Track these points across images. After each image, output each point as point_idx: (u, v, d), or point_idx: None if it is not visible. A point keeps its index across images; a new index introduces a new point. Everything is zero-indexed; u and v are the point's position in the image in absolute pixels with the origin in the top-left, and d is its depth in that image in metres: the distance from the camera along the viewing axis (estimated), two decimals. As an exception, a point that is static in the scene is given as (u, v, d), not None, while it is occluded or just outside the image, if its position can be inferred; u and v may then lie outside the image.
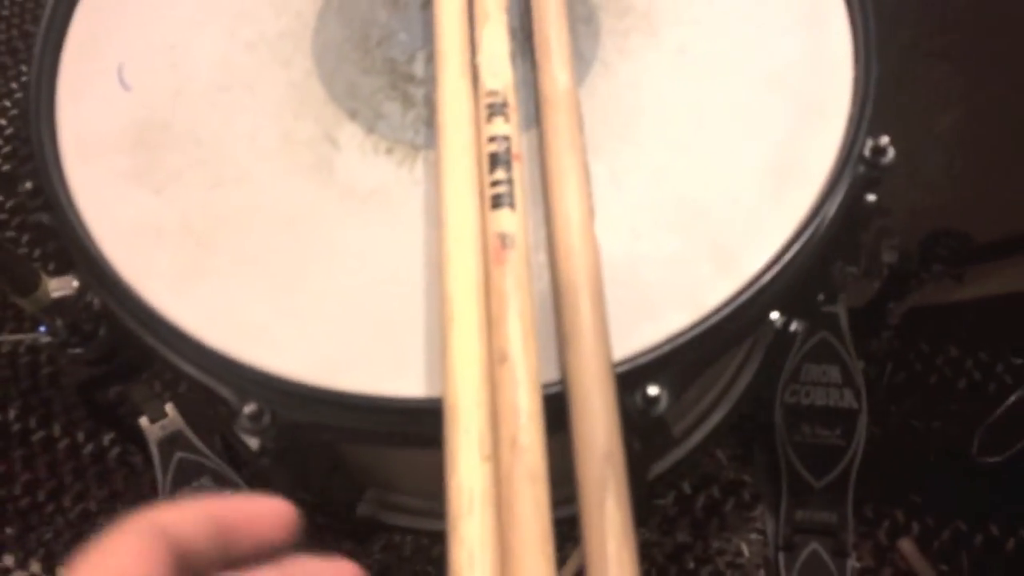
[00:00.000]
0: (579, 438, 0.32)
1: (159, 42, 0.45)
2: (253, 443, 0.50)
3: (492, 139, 0.37)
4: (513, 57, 0.41)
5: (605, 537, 0.30)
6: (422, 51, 0.44)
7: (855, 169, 0.40)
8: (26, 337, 1.14)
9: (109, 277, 0.38)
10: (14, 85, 1.31)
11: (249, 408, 0.35)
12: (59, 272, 0.68)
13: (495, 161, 0.37)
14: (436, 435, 0.35)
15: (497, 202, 0.36)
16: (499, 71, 0.40)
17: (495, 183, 0.36)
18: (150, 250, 0.39)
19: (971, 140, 0.83)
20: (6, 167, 1.25)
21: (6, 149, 1.27)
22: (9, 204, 1.22)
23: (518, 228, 0.36)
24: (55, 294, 0.54)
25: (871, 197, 0.42)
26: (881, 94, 0.42)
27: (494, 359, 0.33)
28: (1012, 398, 0.97)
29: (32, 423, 1.06)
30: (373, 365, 0.36)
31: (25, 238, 1.19)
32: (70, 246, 0.40)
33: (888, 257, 0.88)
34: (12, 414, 1.07)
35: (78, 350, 0.76)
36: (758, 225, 0.39)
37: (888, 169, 0.40)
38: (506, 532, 0.30)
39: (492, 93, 0.39)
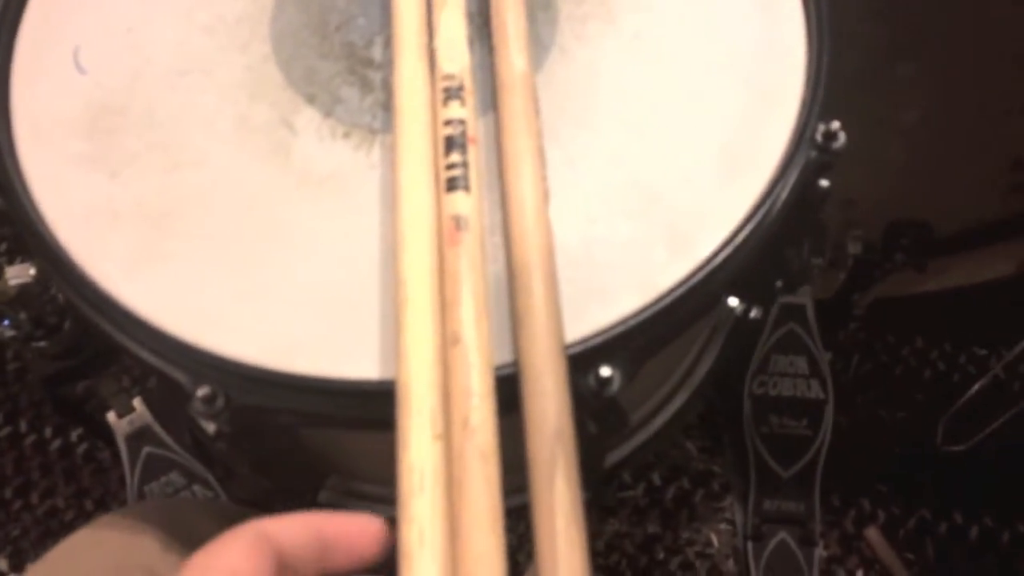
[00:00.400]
0: (530, 417, 0.32)
1: (116, 25, 0.44)
2: (209, 427, 0.50)
3: (448, 122, 0.38)
4: (471, 42, 0.41)
5: (554, 514, 0.30)
6: (380, 36, 0.44)
7: (807, 153, 0.40)
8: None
9: (64, 262, 0.38)
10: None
11: (202, 391, 0.35)
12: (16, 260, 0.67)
13: (450, 144, 0.37)
14: (392, 418, 0.35)
15: (452, 185, 0.36)
16: (456, 55, 0.40)
17: (450, 166, 0.36)
18: (105, 234, 0.39)
19: (934, 135, 0.85)
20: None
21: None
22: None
23: (472, 211, 0.36)
24: (13, 282, 0.53)
25: (824, 182, 0.42)
26: (843, 89, 0.42)
27: (447, 341, 0.33)
28: (975, 387, 0.98)
29: (-1, 419, 1.05)
30: (328, 348, 0.36)
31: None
32: (24, 231, 0.39)
33: (853, 248, 0.89)
34: (-22, 411, 1.06)
35: (43, 343, 0.76)
36: (711, 208, 0.40)
37: (839, 154, 0.41)
38: (457, 510, 0.30)
39: (448, 77, 0.39)
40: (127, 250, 0.39)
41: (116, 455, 0.83)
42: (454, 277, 0.34)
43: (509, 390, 0.33)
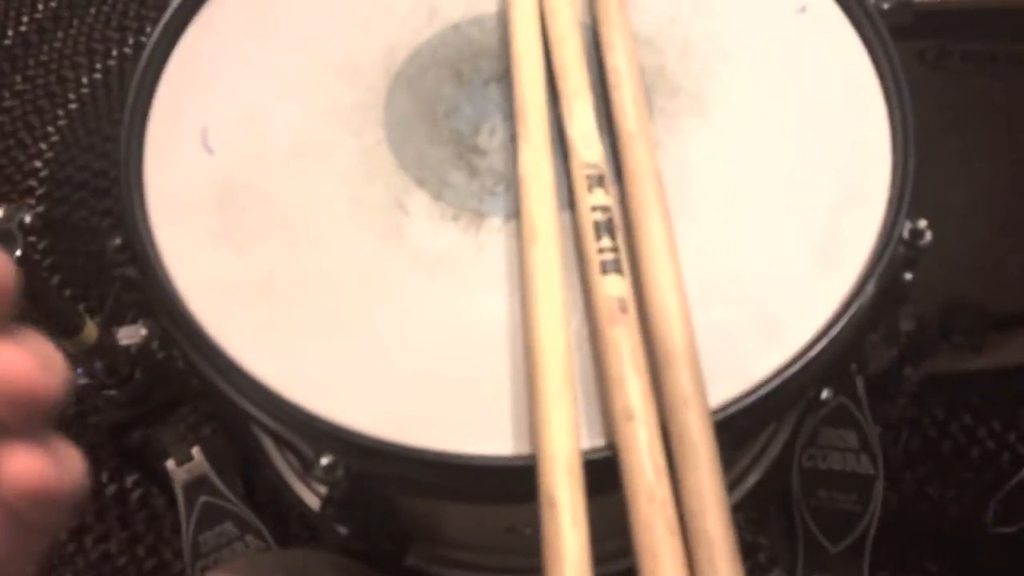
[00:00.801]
0: (685, 486, 0.35)
1: (241, 109, 0.48)
2: (308, 494, 0.52)
3: (594, 208, 0.41)
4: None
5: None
6: (486, 124, 0.47)
7: (895, 250, 0.42)
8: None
9: (195, 331, 0.41)
10: (50, 128, 1.36)
11: (325, 460, 0.37)
12: (101, 310, 0.69)
13: (599, 229, 0.40)
14: (502, 491, 0.37)
15: (605, 268, 0.39)
16: (593, 145, 0.43)
17: (602, 250, 0.39)
18: (233, 306, 0.42)
19: (984, 214, 0.86)
20: (40, 208, 1.29)
21: (40, 191, 1.31)
22: (42, 245, 1.25)
23: (627, 292, 0.39)
24: (124, 341, 0.56)
25: (908, 276, 0.44)
26: (920, 175, 0.45)
27: (619, 417, 0.35)
28: (1024, 469, 0.98)
29: (56, 463, 1.08)
30: (441, 421, 0.39)
31: (57, 278, 1.22)
32: (157, 301, 0.42)
33: (906, 325, 0.90)
34: (38, 453, 1.08)
35: (113, 392, 0.78)
36: (803, 300, 0.42)
37: (925, 250, 0.43)
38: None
39: (590, 165, 0.42)
40: (253, 321, 0.41)
41: (170, 502, 0.85)
42: (618, 356, 0.37)
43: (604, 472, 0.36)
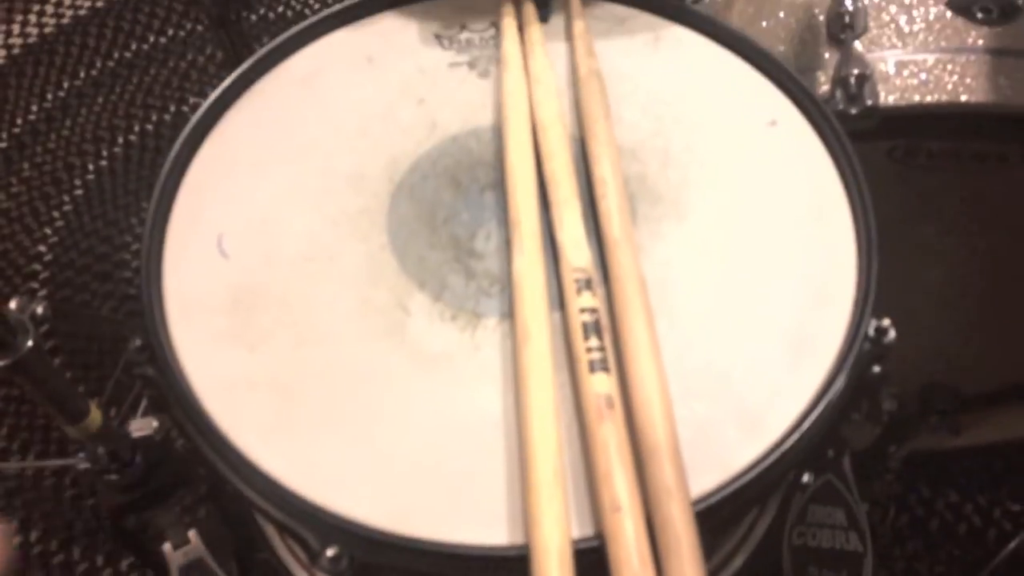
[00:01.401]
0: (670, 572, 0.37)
1: (254, 216, 0.51)
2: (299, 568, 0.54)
3: (582, 310, 0.44)
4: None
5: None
6: (482, 229, 0.51)
7: (861, 347, 0.45)
8: (56, 463, 1.17)
9: (207, 426, 0.43)
10: (56, 214, 1.40)
11: (331, 551, 0.40)
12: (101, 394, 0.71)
13: (587, 330, 0.43)
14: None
15: (593, 367, 0.42)
16: (581, 251, 0.47)
17: (590, 350, 0.43)
18: (244, 403, 0.44)
19: (960, 295, 0.90)
20: (42, 292, 1.32)
21: (44, 274, 1.34)
22: (43, 329, 1.28)
23: (614, 390, 0.42)
24: (136, 433, 0.58)
25: (877, 368, 0.47)
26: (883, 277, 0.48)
27: (607, 509, 0.38)
28: (1012, 545, 1.00)
29: (53, 546, 1.08)
30: (440, 512, 0.41)
31: (58, 361, 1.24)
32: (173, 398, 0.45)
33: (888, 405, 0.93)
34: (34, 536, 1.09)
35: (114, 476, 0.80)
36: (778, 394, 0.45)
37: (890, 347, 0.46)
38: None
39: (579, 269, 0.46)
40: (263, 418, 0.44)
41: (167, 587, 0.85)
42: (605, 451, 0.40)
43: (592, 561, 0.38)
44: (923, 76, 0.69)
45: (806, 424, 0.43)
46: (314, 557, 0.40)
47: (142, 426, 0.57)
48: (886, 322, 0.46)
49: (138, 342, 0.46)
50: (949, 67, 0.69)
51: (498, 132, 0.54)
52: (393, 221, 0.51)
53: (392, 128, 0.55)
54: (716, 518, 0.41)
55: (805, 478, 0.59)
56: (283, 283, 0.49)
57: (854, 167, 0.51)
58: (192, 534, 0.84)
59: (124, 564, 1.09)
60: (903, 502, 1.08)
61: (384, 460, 0.43)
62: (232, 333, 0.47)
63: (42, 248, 1.35)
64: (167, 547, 0.84)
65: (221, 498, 0.80)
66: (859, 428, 0.96)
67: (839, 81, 0.65)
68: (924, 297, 0.90)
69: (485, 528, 0.41)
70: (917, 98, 0.69)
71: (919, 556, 1.04)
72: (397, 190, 0.53)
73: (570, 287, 0.46)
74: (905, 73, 0.69)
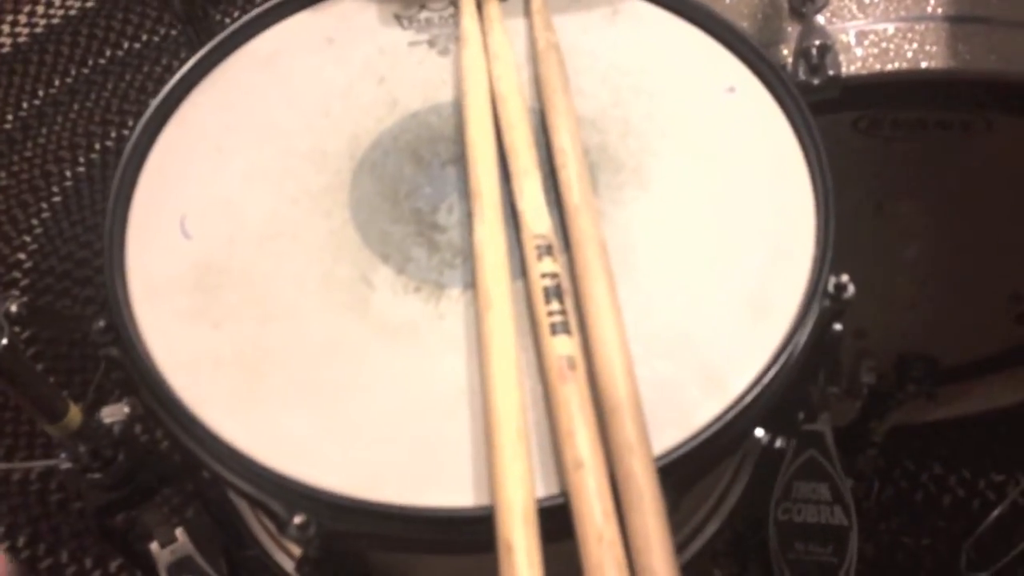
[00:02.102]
0: (633, 530, 0.38)
1: (217, 196, 0.52)
2: (288, 561, 0.54)
3: (543, 275, 0.45)
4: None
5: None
6: (444, 202, 0.51)
7: (821, 303, 0.46)
8: (39, 464, 1.17)
9: (173, 404, 0.43)
10: (34, 221, 1.39)
11: (298, 519, 0.40)
12: (84, 397, 0.72)
13: (549, 294, 0.44)
14: (469, 541, 0.40)
15: (555, 329, 0.43)
16: (542, 218, 0.47)
17: (551, 313, 0.43)
18: (209, 379, 0.45)
19: (934, 269, 0.91)
20: (24, 299, 1.32)
21: (25, 282, 1.34)
22: (26, 335, 1.28)
23: (577, 351, 0.42)
24: (107, 420, 0.58)
25: (837, 326, 0.48)
26: (845, 227, 0.49)
27: (569, 467, 0.39)
28: (995, 513, 1.01)
29: (40, 550, 1.08)
30: (410, 478, 0.41)
31: (41, 366, 1.24)
32: (137, 377, 0.45)
33: (867, 378, 0.94)
34: (21, 541, 1.09)
35: (97, 475, 0.80)
36: (739, 351, 0.45)
37: (849, 303, 0.46)
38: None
39: (539, 236, 0.46)
40: (228, 393, 0.44)
41: (155, 586, 0.85)
42: (567, 410, 0.40)
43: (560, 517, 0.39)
44: (884, 45, 0.70)
45: (766, 379, 0.44)
46: (282, 526, 0.41)
47: (114, 412, 0.57)
48: (844, 278, 0.47)
49: (101, 323, 0.46)
50: (909, 35, 0.70)
51: (458, 108, 0.55)
52: (355, 197, 0.52)
53: (353, 107, 0.55)
54: (679, 474, 0.41)
55: (779, 443, 0.60)
56: (246, 261, 0.49)
57: (811, 128, 0.52)
58: (179, 532, 0.84)
59: (113, 565, 1.09)
60: (887, 476, 1.08)
61: (350, 429, 0.43)
62: (196, 311, 0.47)
63: (22, 255, 1.35)
64: (154, 546, 0.83)
65: (208, 495, 0.80)
66: (840, 403, 0.97)
67: (801, 53, 0.65)
68: (901, 273, 0.91)
69: (451, 491, 0.41)
70: (879, 67, 0.70)
71: (904, 529, 1.04)
72: (359, 167, 0.53)
73: (531, 253, 0.46)
74: (866, 43, 0.70)
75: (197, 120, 0.55)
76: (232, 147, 0.54)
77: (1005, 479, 1.07)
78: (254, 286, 0.48)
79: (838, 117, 0.76)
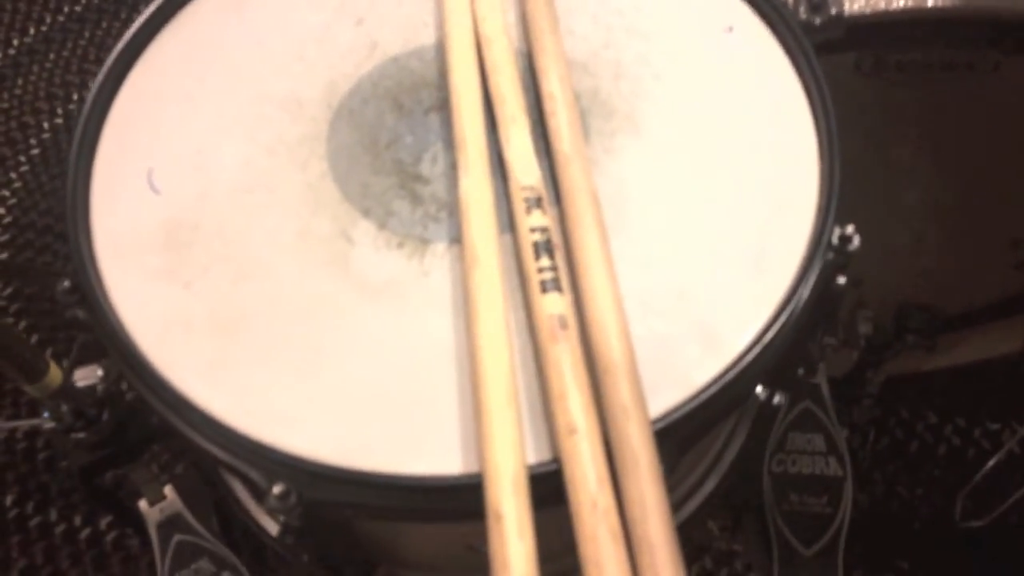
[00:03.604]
0: (628, 496, 0.36)
1: (185, 148, 0.49)
2: (273, 525, 0.53)
3: (533, 230, 0.42)
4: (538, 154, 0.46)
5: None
6: (427, 152, 0.49)
7: (825, 256, 0.44)
8: (23, 424, 1.15)
9: (143, 368, 0.41)
10: (13, 175, 1.36)
11: (277, 489, 0.38)
12: (68, 354, 0.70)
13: (539, 250, 0.41)
14: (454, 509, 0.38)
15: (545, 287, 0.40)
16: (530, 169, 0.45)
17: (541, 269, 0.41)
18: (181, 341, 0.42)
19: (935, 216, 0.89)
20: (4, 255, 1.28)
21: (4, 237, 1.30)
22: (7, 292, 1.25)
23: (568, 310, 0.40)
24: (81, 383, 0.56)
25: (841, 280, 0.46)
26: (845, 177, 0.46)
27: (562, 432, 0.37)
28: (990, 463, 1.00)
29: (29, 508, 1.07)
30: (391, 444, 0.39)
31: (23, 324, 1.21)
32: (106, 340, 0.43)
33: (864, 328, 0.92)
34: (9, 500, 1.08)
35: (81, 435, 0.78)
36: (739, 308, 0.43)
37: (854, 255, 0.44)
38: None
39: (528, 188, 0.43)
40: (202, 355, 0.42)
41: (145, 543, 0.85)
42: (559, 371, 0.38)
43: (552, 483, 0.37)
44: (889, -19, 0.67)
45: (768, 337, 0.41)
46: (262, 497, 0.39)
47: (87, 375, 0.55)
48: (850, 229, 0.44)
49: (66, 283, 0.44)
50: (915, -29, 0.66)
51: (441, 51, 0.52)
52: (333, 148, 0.49)
53: (329, 50, 0.52)
54: (677, 436, 0.40)
55: (777, 399, 0.58)
56: (218, 217, 0.46)
57: (815, 70, 0.49)
58: (168, 489, 0.82)
59: (103, 523, 1.08)
60: (883, 425, 1.07)
61: (331, 394, 0.41)
62: (166, 270, 0.45)
63: (1, 211, 1.32)
64: (143, 504, 0.82)
65: (186, 449, 0.78)
66: (836, 353, 0.95)
67: (802, -10, 0.62)
68: (900, 220, 0.88)
69: (438, 458, 0.39)
70: (883, 5, 0.66)
71: (899, 478, 1.04)
72: (336, 115, 0.50)
73: (519, 206, 0.44)
74: (871, -21, 0.67)
75: (164, 65, 0.52)
76: (201, 94, 0.51)
77: (1001, 428, 1.06)
78: (227, 243, 0.45)
79: (840, 59, 0.73)
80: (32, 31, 1.50)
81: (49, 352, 1.17)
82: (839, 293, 0.46)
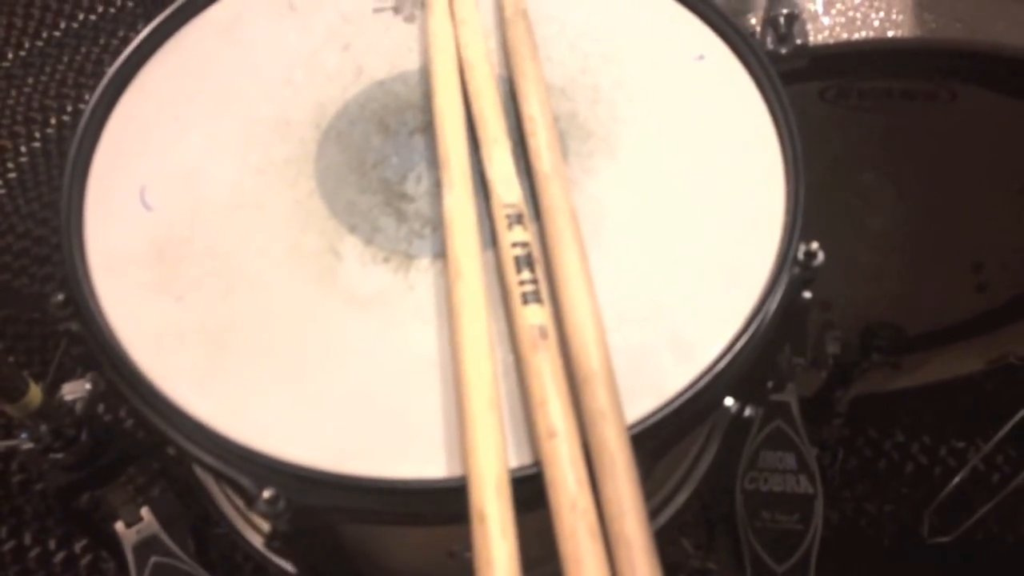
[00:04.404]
0: (607, 498, 0.37)
1: (177, 167, 0.50)
2: (257, 538, 0.54)
3: (514, 244, 0.44)
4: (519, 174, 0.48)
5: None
6: (412, 172, 0.50)
7: (791, 270, 0.46)
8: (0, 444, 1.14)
9: (136, 378, 0.42)
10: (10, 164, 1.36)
11: (267, 494, 0.39)
12: (45, 376, 0.70)
13: (520, 264, 0.43)
14: (442, 512, 0.39)
15: (526, 299, 0.42)
16: (512, 187, 0.47)
17: (522, 282, 0.43)
18: (173, 352, 0.44)
19: (899, 240, 0.92)
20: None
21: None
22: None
23: (548, 320, 0.42)
24: (68, 397, 0.57)
25: (807, 294, 0.48)
26: (813, 198, 0.49)
27: (542, 435, 0.38)
28: (956, 480, 1.03)
29: (3, 532, 1.06)
30: (378, 450, 0.41)
31: (0, 346, 1.21)
32: (99, 352, 0.44)
33: (832, 348, 0.95)
34: (-17, 523, 1.07)
35: (60, 455, 0.79)
36: (710, 320, 0.45)
37: (819, 270, 0.47)
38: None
39: (510, 205, 0.45)
40: (193, 366, 0.43)
41: (121, 565, 0.85)
42: (539, 378, 0.40)
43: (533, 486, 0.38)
44: (851, 14, 0.70)
45: (738, 346, 0.44)
46: (251, 502, 0.40)
47: (75, 389, 0.55)
48: (814, 245, 0.47)
49: (60, 296, 0.45)
50: (876, 3, 0.70)
51: (425, 76, 0.54)
52: (321, 167, 0.50)
53: (317, 74, 0.54)
54: (651, 442, 0.41)
55: (748, 412, 0.60)
56: (209, 233, 0.48)
57: (780, 96, 0.52)
58: (145, 511, 0.83)
59: (77, 547, 1.07)
60: (851, 445, 1.10)
61: (319, 402, 0.43)
62: (158, 284, 0.46)
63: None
64: (119, 526, 0.82)
65: (174, 473, 0.79)
66: (806, 373, 0.98)
67: (769, 22, 0.65)
68: (866, 244, 0.91)
69: (423, 462, 0.40)
70: (845, 36, 0.70)
71: (868, 496, 1.06)
72: (324, 136, 0.52)
73: (501, 222, 0.46)
74: (833, 11, 0.70)
75: (156, 88, 0.54)
76: (192, 116, 0.52)
77: (966, 446, 1.09)
78: (218, 258, 0.47)
79: (805, 88, 0.76)
80: (11, 56, 1.51)
81: (27, 373, 1.17)
82: (805, 307, 0.48)
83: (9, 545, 1.06)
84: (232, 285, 0.46)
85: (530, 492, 0.38)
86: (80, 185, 0.49)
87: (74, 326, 0.45)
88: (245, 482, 0.40)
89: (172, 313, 0.45)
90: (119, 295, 0.45)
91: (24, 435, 0.75)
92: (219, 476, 0.41)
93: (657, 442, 0.42)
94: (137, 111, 0.53)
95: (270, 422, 0.42)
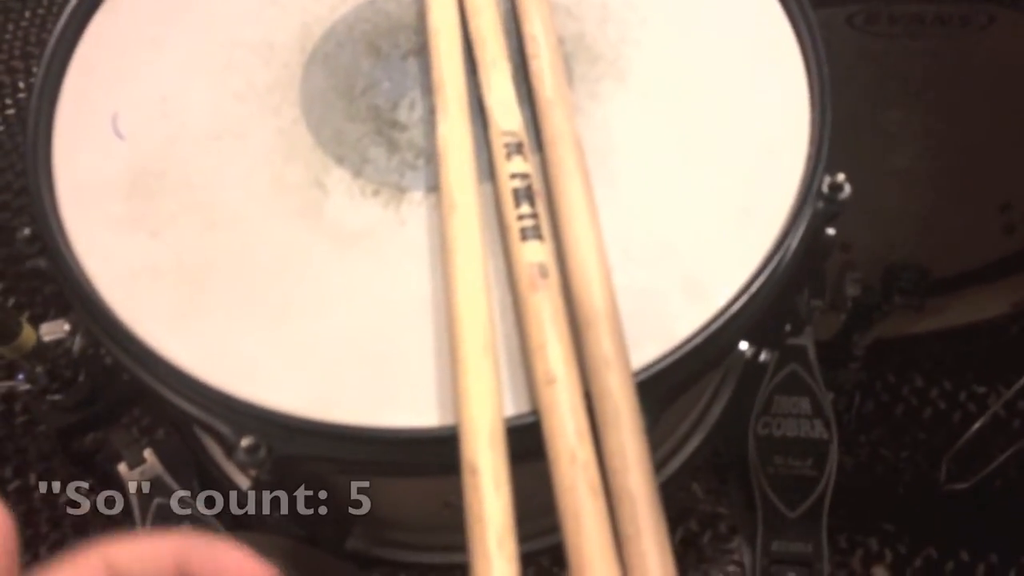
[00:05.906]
0: (609, 449, 0.35)
1: (152, 93, 0.47)
2: (245, 480, 0.51)
3: (513, 176, 0.40)
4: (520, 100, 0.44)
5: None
6: (405, 98, 0.47)
7: (814, 204, 0.42)
8: (0, 386, 1.13)
9: (107, 319, 0.40)
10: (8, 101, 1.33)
11: (246, 442, 0.37)
12: (47, 317, 0.68)
13: (519, 197, 0.40)
14: (429, 463, 0.37)
15: (525, 235, 0.39)
16: (511, 114, 0.43)
17: (521, 217, 0.39)
18: (147, 292, 0.41)
19: (925, 179, 0.87)
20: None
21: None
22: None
23: (549, 258, 0.38)
24: (47, 337, 0.55)
25: (830, 231, 0.44)
26: (836, 135, 0.45)
27: (541, 381, 0.35)
28: (976, 426, 1.00)
29: (8, 472, 1.06)
30: (364, 397, 0.38)
31: (-1, 286, 1.19)
32: (67, 290, 0.41)
33: (852, 291, 0.91)
34: (-13, 464, 1.06)
35: (57, 396, 0.77)
36: (725, 259, 0.42)
37: (845, 204, 0.43)
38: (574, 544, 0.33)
39: (509, 133, 0.42)
40: (169, 306, 0.40)
41: (126, 507, 0.84)
42: (539, 321, 0.37)
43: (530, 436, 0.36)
44: (884, -71, 0.65)
45: (754, 287, 0.40)
46: (231, 450, 0.37)
47: (53, 329, 0.53)
48: (840, 177, 0.43)
49: (27, 231, 0.42)
50: (911, -82, 0.65)
51: (420, -8, 0.50)
52: (307, 93, 0.47)
53: (303, -8, 0.50)
54: (659, 389, 0.38)
55: (763, 356, 0.57)
56: (186, 164, 0.45)
57: (807, 15, 0.47)
58: (148, 453, 0.81)
59: (81, 488, 1.07)
60: (868, 389, 1.07)
61: (303, 345, 0.40)
62: (132, 219, 0.43)
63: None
64: (122, 467, 0.81)
65: (171, 415, 0.77)
66: (824, 316, 0.94)
67: (795, -62, 0.60)
68: (890, 183, 0.87)
69: (412, 410, 0.38)
70: (876, -46, 0.65)
71: (884, 441, 1.04)
72: (310, 60, 0.48)
73: (500, 152, 0.42)
74: (865, -73, 0.65)
75: (130, 8, 0.50)
76: (169, 38, 0.49)
77: (987, 391, 1.06)
78: (195, 191, 0.44)
79: (831, 12, 0.71)
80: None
81: (27, 315, 1.16)
82: (828, 245, 0.45)
83: (15, 485, 1.06)
84: (210, 220, 0.43)
85: (527, 442, 0.36)
86: (48, 112, 0.46)
87: (42, 263, 0.42)
88: (223, 429, 0.38)
89: (146, 250, 0.42)
90: (89, 230, 0.43)
91: (20, 376, 0.73)
92: (196, 423, 0.39)
93: (665, 390, 0.39)
94: (110, 32, 0.49)
95: (251, 366, 0.39)
